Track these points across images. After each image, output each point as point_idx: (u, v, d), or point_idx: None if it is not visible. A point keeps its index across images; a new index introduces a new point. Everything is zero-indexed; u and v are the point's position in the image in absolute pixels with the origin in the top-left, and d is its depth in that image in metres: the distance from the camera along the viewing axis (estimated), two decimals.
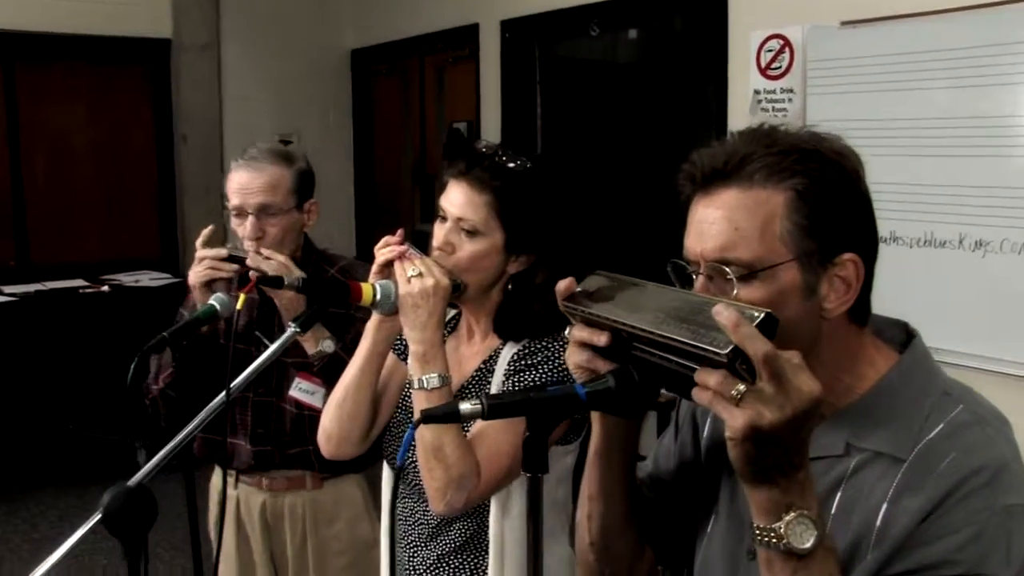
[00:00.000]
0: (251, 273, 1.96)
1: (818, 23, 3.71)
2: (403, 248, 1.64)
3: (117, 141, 5.83)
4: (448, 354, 1.67)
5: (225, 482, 2.26)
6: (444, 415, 1.03)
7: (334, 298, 1.61)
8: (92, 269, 5.50)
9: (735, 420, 0.95)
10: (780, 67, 3.89)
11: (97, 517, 1.42)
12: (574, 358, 1.14)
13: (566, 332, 1.14)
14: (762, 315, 0.96)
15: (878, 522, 1.06)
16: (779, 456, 0.97)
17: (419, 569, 1.79)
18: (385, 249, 1.67)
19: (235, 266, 2.10)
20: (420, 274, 1.59)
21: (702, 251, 1.09)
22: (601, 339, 1.10)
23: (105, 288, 5.19)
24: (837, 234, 1.08)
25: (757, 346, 0.94)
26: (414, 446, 1.60)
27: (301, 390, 2.19)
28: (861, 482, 1.10)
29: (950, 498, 1.02)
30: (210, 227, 2.12)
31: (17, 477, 4.83)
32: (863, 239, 1.11)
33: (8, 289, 5.10)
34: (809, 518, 0.98)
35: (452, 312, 1.86)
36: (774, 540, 0.98)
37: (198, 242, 2.10)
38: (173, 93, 6.02)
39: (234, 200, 2.16)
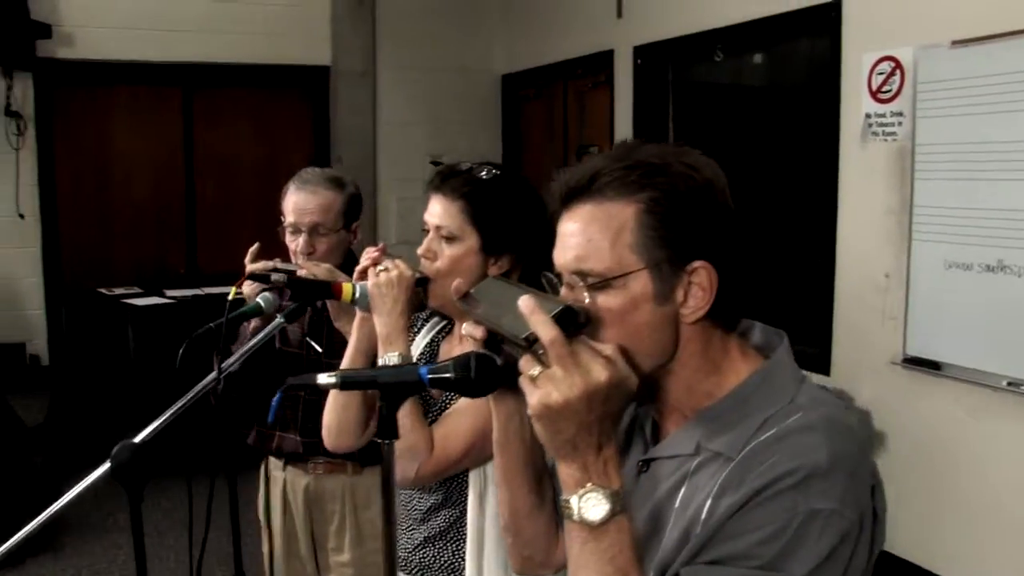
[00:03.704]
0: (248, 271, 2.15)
1: (929, 43, 3.61)
2: (376, 255, 1.84)
3: (278, 161, 6.32)
4: (442, 356, 1.82)
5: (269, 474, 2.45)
6: (303, 385, 1.19)
7: (317, 294, 1.80)
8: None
9: (530, 397, 1.06)
10: (891, 90, 3.80)
11: (107, 467, 1.65)
12: (466, 349, 1.27)
13: (463, 328, 1.28)
14: (560, 307, 1.07)
15: (703, 515, 1.12)
16: (575, 433, 1.06)
17: (408, 547, 1.96)
18: (364, 258, 1.86)
19: (283, 276, 2.29)
20: (387, 268, 1.79)
21: (563, 263, 1.19)
22: (477, 333, 1.23)
23: None
24: (688, 243, 1.14)
25: (543, 332, 1.05)
26: None
27: None
28: (699, 479, 1.16)
29: (760, 495, 1.07)
30: (256, 244, 2.34)
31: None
32: (719, 247, 1.16)
33: (172, 292, 5.67)
34: (604, 494, 1.07)
35: (445, 321, 2.01)
36: (570, 511, 1.08)
37: (247, 259, 2.32)
38: (331, 116, 6.49)
39: (290, 218, 2.41)
